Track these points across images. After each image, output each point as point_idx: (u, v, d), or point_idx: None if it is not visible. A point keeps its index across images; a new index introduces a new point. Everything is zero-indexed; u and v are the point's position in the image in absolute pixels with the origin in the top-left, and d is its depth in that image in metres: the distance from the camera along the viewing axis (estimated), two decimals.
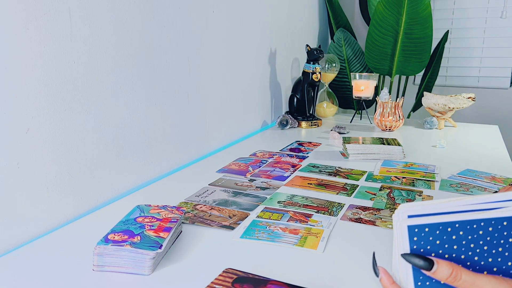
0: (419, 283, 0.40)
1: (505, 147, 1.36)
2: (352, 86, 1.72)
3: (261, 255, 0.66)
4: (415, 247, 0.39)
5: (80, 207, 0.82)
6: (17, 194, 0.70)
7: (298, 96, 1.67)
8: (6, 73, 0.66)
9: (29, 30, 0.69)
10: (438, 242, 0.39)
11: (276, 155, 1.22)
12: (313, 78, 1.61)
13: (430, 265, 0.39)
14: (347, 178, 1.02)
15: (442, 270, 0.39)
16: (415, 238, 0.39)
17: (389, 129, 1.57)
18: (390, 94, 1.66)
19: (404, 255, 0.39)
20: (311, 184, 0.98)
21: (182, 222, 0.75)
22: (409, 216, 0.39)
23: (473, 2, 2.25)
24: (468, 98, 1.56)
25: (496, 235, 0.39)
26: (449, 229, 0.39)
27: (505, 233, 0.39)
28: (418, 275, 0.40)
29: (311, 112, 1.69)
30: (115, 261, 0.60)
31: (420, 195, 0.91)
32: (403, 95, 2.11)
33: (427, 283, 0.40)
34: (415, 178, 1.01)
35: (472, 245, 0.40)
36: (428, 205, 0.40)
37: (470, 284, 0.39)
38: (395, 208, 0.84)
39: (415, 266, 0.39)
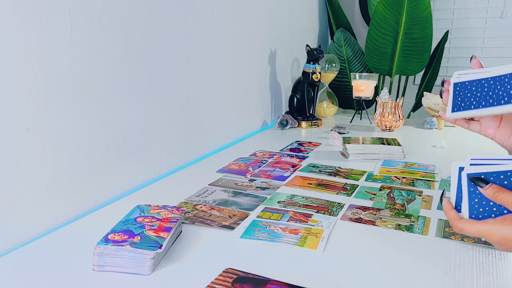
0: (472, 202, 0.55)
1: None
2: (352, 86, 1.72)
3: (261, 255, 0.66)
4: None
5: (80, 207, 0.82)
6: (17, 194, 0.70)
7: (298, 96, 1.67)
8: (6, 73, 0.66)
9: (29, 30, 0.69)
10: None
11: (276, 155, 1.22)
12: (313, 78, 1.61)
13: (485, 184, 0.54)
14: (347, 178, 1.02)
15: (491, 188, 0.54)
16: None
17: (389, 129, 1.57)
18: (390, 94, 1.66)
19: (472, 178, 0.55)
20: (311, 184, 0.98)
21: (182, 222, 0.75)
22: (471, 164, 0.55)
23: (473, 2, 2.24)
24: None
25: None
26: (501, 176, 0.54)
27: None
28: (472, 195, 0.55)
29: (311, 112, 1.69)
30: (115, 261, 0.60)
31: (420, 195, 0.91)
32: (403, 95, 2.11)
33: (477, 200, 0.55)
34: (415, 178, 1.01)
35: None
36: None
37: (507, 202, 0.53)
38: (395, 208, 0.84)
39: (476, 185, 0.54)
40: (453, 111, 0.64)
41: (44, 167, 0.74)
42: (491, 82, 0.60)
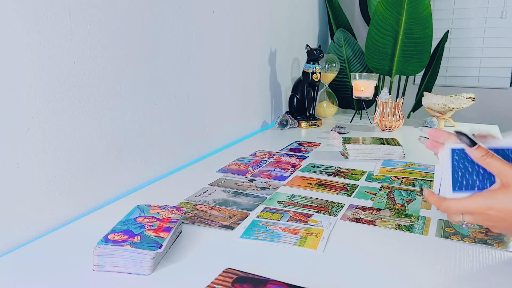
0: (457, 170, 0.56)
1: None
2: (352, 86, 1.72)
3: (261, 255, 0.66)
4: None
5: (80, 207, 0.82)
6: (17, 194, 0.70)
7: (298, 96, 1.67)
8: (6, 73, 0.66)
9: (29, 30, 0.69)
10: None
11: (276, 155, 1.22)
12: (313, 78, 1.61)
13: (473, 144, 0.53)
14: (347, 178, 1.02)
15: (479, 150, 0.53)
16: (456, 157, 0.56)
17: (389, 129, 1.57)
18: (390, 94, 1.66)
19: (458, 133, 0.55)
20: (311, 184, 0.98)
21: (182, 222, 0.75)
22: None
23: (473, 2, 2.25)
24: (468, 98, 1.56)
25: None
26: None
27: None
28: (455, 168, 0.56)
29: (311, 112, 1.69)
30: (115, 261, 0.60)
31: (420, 195, 0.91)
32: (403, 95, 2.11)
33: (460, 173, 0.56)
34: (415, 178, 1.01)
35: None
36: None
37: (495, 168, 0.52)
38: (395, 208, 0.84)
39: (463, 142, 0.54)
40: (454, 190, 0.57)
41: (44, 167, 0.74)
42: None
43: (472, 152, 0.54)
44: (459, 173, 0.56)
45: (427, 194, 0.58)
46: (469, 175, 0.56)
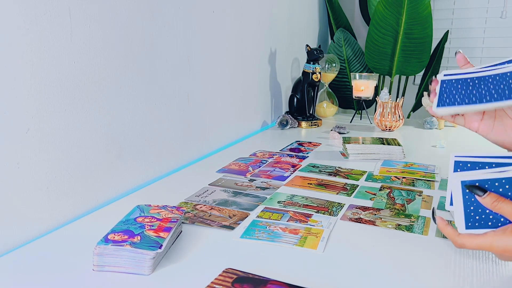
0: (469, 211, 0.56)
1: None
2: (352, 86, 1.72)
3: (261, 255, 0.66)
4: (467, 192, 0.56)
5: (80, 207, 0.82)
6: (17, 194, 0.70)
7: (298, 96, 1.67)
8: (6, 73, 0.66)
9: (29, 30, 0.69)
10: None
11: (276, 155, 1.22)
12: (313, 78, 1.61)
13: (483, 193, 0.54)
14: (347, 178, 1.02)
15: (490, 197, 0.54)
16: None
17: (389, 129, 1.57)
18: (390, 94, 1.66)
19: (468, 186, 0.56)
20: (311, 184, 0.98)
21: (182, 222, 0.75)
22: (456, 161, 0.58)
23: (473, 2, 2.24)
24: None
25: None
26: (496, 184, 0.55)
27: None
28: (467, 203, 0.56)
29: (311, 112, 1.69)
30: (115, 261, 0.60)
31: (420, 195, 0.91)
32: (403, 95, 2.11)
33: (473, 208, 0.56)
34: (415, 178, 1.01)
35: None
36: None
37: (507, 212, 0.53)
38: (395, 208, 0.84)
39: (473, 193, 0.55)
40: (438, 106, 0.66)
41: (44, 167, 0.74)
42: (476, 81, 0.62)
43: (483, 200, 0.54)
44: (471, 207, 0.56)
45: (442, 226, 0.58)
46: (481, 208, 0.55)
